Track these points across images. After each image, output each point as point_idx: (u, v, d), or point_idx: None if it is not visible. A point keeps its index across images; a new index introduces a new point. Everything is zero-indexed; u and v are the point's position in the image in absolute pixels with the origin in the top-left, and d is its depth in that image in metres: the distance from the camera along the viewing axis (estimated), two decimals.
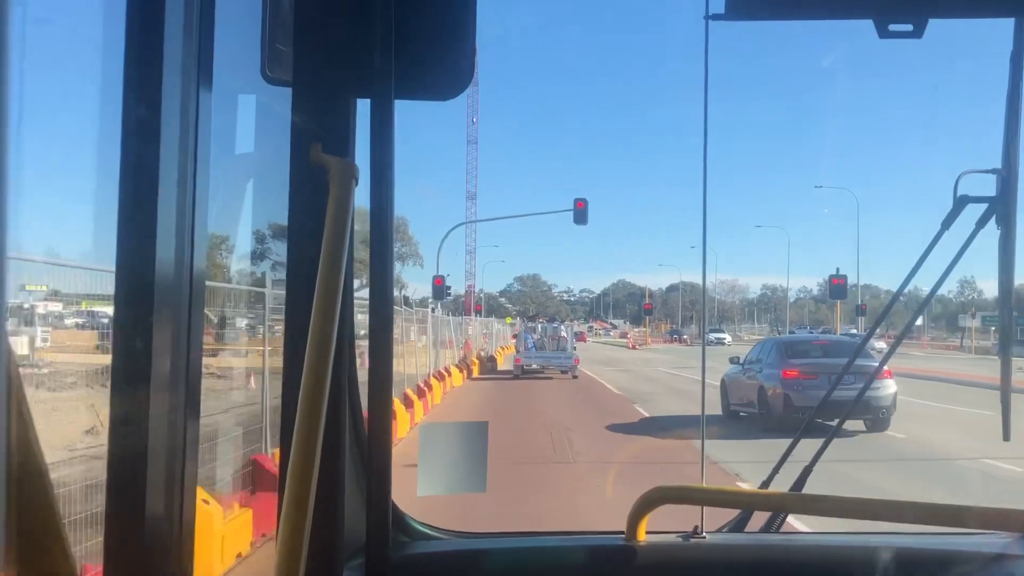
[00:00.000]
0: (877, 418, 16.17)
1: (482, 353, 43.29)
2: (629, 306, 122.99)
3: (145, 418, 1.43)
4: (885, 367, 14.50)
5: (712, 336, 70.99)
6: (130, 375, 1.43)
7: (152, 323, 1.42)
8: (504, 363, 42.18)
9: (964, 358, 48.41)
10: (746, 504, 2.27)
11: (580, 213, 31.93)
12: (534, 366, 34.78)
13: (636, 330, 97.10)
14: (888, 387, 16.43)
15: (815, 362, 17.64)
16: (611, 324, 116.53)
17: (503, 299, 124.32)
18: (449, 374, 28.45)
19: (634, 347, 70.37)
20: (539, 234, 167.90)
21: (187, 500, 1.54)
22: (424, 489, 2.09)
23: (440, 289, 34.27)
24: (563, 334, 38.35)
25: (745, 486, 12.87)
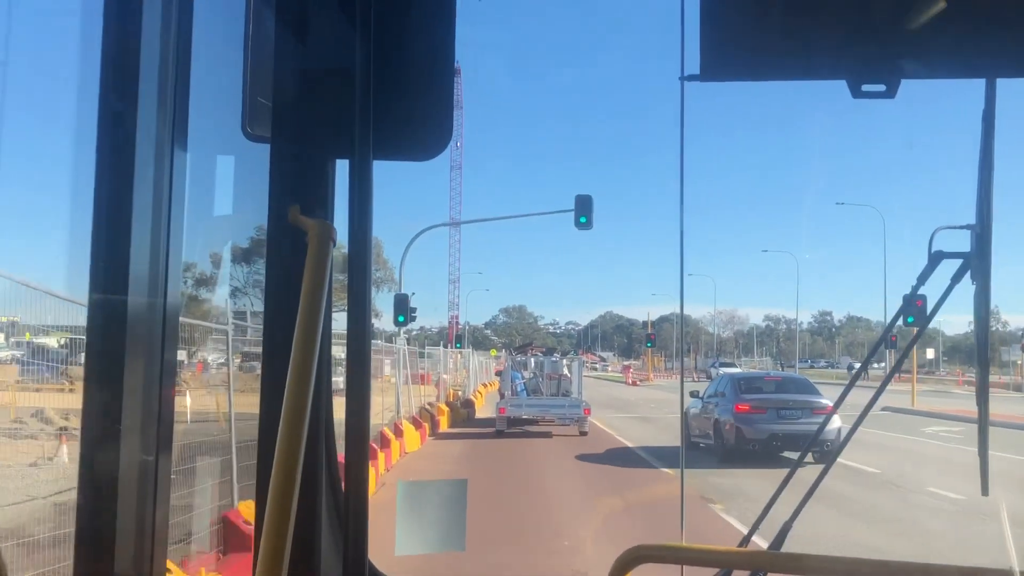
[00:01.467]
0: (823, 451, 17.20)
1: (454, 397, 33.95)
2: (617, 338, 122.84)
3: (116, 462, 1.44)
4: (830, 404, 15.75)
5: (722, 371, 66.23)
6: (101, 415, 1.44)
7: (124, 367, 1.45)
8: (485, 407, 34.42)
9: (1012, 396, 41.45)
10: (726, 564, 2.29)
11: (582, 211, 23.87)
12: (524, 416, 26.57)
13: (629, 363, 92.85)
14: (833, 422, 17.06)
15: (765, 397, 19.67)
16: (600, 357, 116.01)
17: (488, 331, 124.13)
18: (400, 435, 20.43)
19: (634, 383, 63.82)
20: (525, 264, 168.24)
21: (157, 555, 1.55)
22: (403, 548, 2.10)
23: (402, 307, 22.65)
24: (566, 372, 29.58)
25: (734, 523, 12.87)
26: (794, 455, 17.98)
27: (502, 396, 28.12)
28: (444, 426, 27.20)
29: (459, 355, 48.64)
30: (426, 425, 24.48)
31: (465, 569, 7.56)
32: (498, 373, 34.63)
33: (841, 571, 2.10)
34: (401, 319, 22.46)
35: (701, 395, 22.04)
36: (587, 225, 23.65)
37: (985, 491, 2.32)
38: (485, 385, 46.65)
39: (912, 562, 2.11)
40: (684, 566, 2.22)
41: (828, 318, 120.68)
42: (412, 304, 23.86)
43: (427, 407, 27.24)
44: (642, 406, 38.09)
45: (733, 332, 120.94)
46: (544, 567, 10.19)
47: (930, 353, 66.68)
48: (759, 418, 18.86)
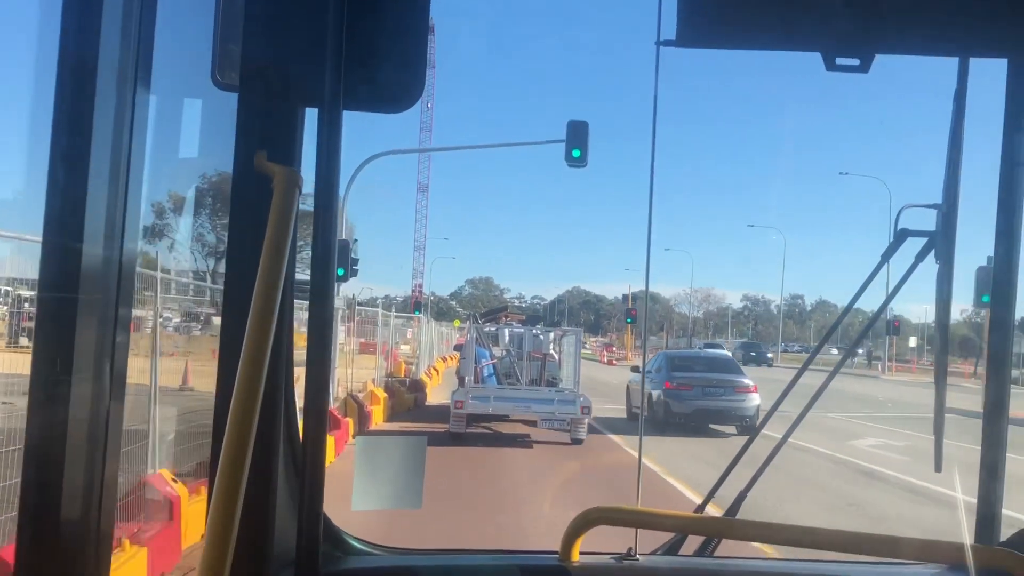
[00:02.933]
0: (743, 424, 20.39)
1: (405, 373, 28.23)
2: (584, 314, 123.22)
3: (65, 413, 1.45)
4: (752, 384, 19.59)
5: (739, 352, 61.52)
6: (51, 365, 1.45)
7: (77, 312, 1.45)
8: (440, 389, 27.57)
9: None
10: (680, 528, 2.35)
11: (576, 142, 18.24)
12: (491, 412, 18.58)
13: (608, 340, 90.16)
14: (753, 400, 20.62)
15: (692, 376, 21.47)
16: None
17: (454, 303, 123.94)
18: None
19: (611, 363, 59.42)
20: (492, 234, 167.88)
21: (106, 503, 1.56)
22: (359, 503, 2.13)
23: (342, 257, 15.81)
24: (552, 351, 21.19)
25: (688, 494, 13.00)
26: (719, 427, 20.85)
27: (461, 383, 19.49)
28: (378, 419, 19.73)
29: (417, 323, 41.62)
30: (350, 420, 17.22)
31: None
32: (458, 347, 24.42)
33: (793, 539, 2.17)
34: (341, 272, 15.97)
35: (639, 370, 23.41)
36: (581, 161, 18.20)
37: (938, 468, 2.40)
38: (444, 359, 40.85)
39: (869, 533, 2.19)
40: (638, 530, 2.27)
41: (799, 301, 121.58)
42: (354, 255, 18.87)
43: (353, 396, 19.14)
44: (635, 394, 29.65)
45: (703, 312, 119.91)
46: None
47: (912, 342, 66.85)
48: (685, 394, 20.94)
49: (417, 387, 26.09)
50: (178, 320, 15.71)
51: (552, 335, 22.26)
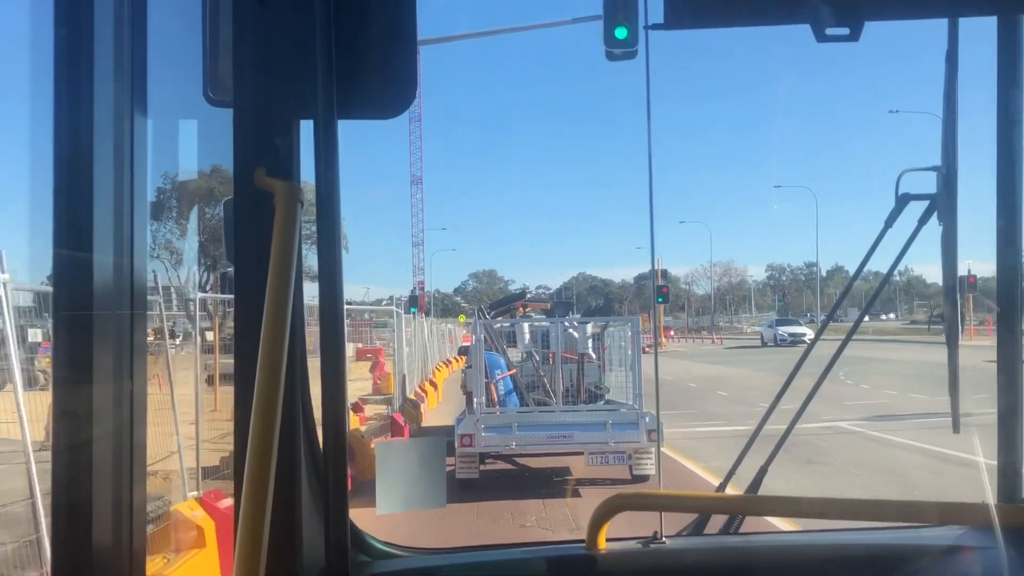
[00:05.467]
0: None
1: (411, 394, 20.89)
2: (593, 300, 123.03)
3: (89, 440, 1.51)
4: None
5: (783, 331, 57.52)
6: (72, 396, 1.51)
7: (92, 340, 1.51)
8: (444, 406, 22.92)
9: None
10: (703, 508, 2.42)
11: (619, 17, 11.86)
12: (514, 447, 13.51)
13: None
14: None
15: None
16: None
17: (458, 298, 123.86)
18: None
19: (644, 350, 50.22)
20: (493, 226, 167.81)
21: (137, 522, 1.62)
22: (384, 507, 2.20)
23: None
24: (591, 351, 15.50)
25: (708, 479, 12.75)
26: None
27: (469, 404, 14.88)
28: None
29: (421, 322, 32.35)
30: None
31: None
32: (464, 351, 20.47)
33: (816, 511, 2.24)
34: None
35: None
36: (628, 44, 11.94)
37: (956, 429, 2.47)
38: (447, 363, 35.94)
39: (889, 500, 2.25)
40: (663, 513, 2.34)
41: (814, 270, 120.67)
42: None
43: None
44: (727, 401, 22.82)
45: (720, 287, 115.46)
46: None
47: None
48: None
49: (413, 409, 19.64)
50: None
51: (589, 328, 15.99)
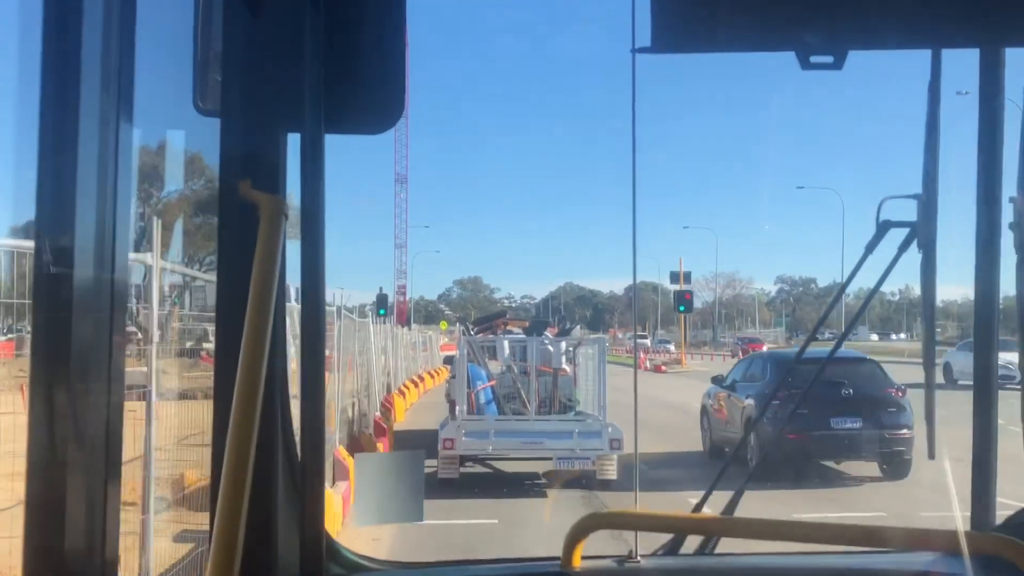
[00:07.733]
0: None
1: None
2: (580, 310, 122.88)
3: (66, 445, 1.55)
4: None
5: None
6: (49, 400, 1.56)
7: (72, 328, 1.56)
8: (420, 413, 23.90)
9: None
10: (678, 528, 2.47)
11: None
12: (490, 450, 15.60)
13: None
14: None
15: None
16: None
17: (442, 305, 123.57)
18: None
19: (659, 369, 47.73)
20: (477, 231, 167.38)
21: (110, 524, 1.66)
22: (361, 520, 2.24)
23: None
24: (565, 366, 17.93)
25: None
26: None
27: (452, 411, 16.71)
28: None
29: (400, 330, 34.22)
30: None
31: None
32: (448, 361, 21.77)
33: (787, 534, 2.30)
34: None
35: None
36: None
37: (932, 455, 2.53)
38: (423, 377, 34.04)
39: (860, 524, 2.32)
40: (638, 532, 2.40)
41: (813, 286, 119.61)
42: None
43: None
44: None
45: (724, 299, 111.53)
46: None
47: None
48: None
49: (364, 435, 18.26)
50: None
51: (564, 345, 18.31)
